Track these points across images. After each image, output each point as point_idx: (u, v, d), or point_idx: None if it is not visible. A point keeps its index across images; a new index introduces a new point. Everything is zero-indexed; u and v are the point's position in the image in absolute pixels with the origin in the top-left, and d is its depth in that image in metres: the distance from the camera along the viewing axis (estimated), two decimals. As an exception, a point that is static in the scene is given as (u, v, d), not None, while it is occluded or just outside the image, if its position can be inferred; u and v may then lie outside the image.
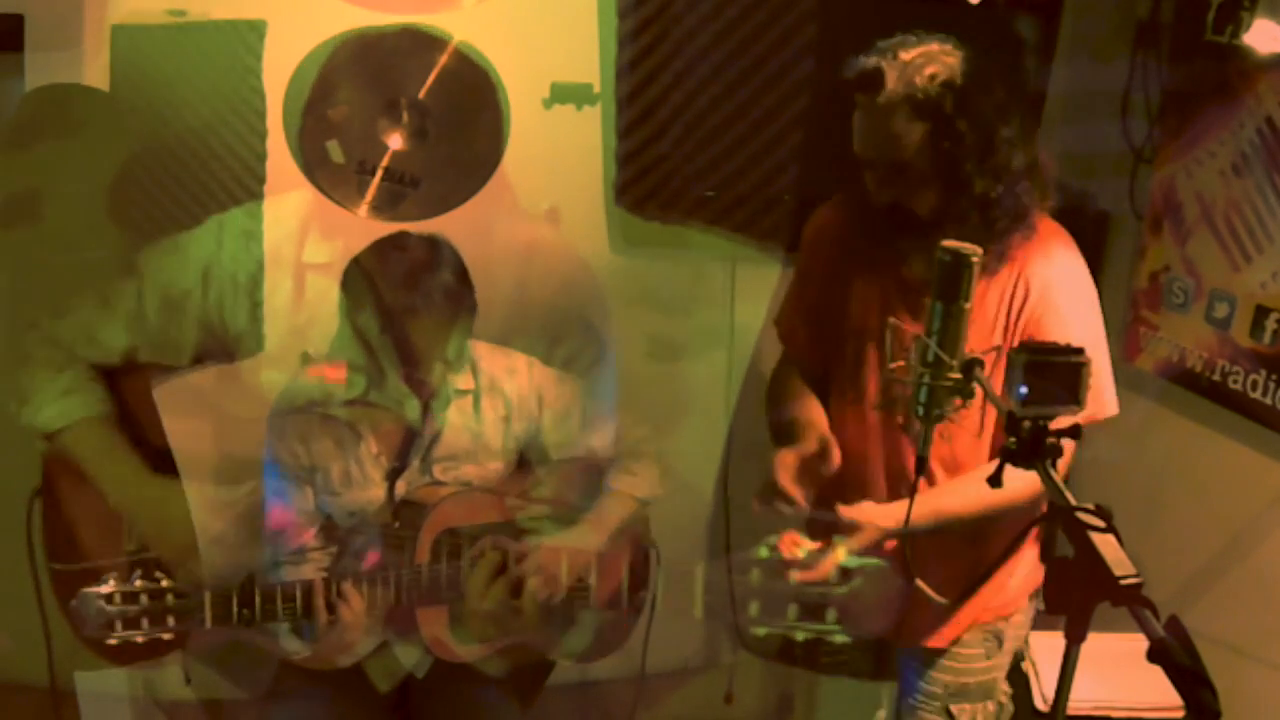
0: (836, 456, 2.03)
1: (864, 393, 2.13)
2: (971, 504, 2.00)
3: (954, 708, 2.24)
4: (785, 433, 2.15)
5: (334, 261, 2.11)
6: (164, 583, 1.88)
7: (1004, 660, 2.26)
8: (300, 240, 2.22)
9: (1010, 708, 2.37)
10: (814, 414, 2.16)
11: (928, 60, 1.87)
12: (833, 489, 2.11)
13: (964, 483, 2.05)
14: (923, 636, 2.21)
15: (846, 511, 1.98)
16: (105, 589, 1.84)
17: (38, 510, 2.21)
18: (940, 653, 2.22)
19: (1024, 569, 2.19)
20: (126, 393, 2.23)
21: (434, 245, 2.03)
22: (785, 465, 2.02)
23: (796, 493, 1.99)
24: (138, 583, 1.86)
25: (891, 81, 1.86)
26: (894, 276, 2.06)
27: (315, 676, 2.14)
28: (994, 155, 1.90)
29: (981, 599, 2.14)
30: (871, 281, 2.09)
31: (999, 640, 2.23)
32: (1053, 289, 1.98)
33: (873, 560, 1.96)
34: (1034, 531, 2.06)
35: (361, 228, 2.06)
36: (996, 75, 1.89)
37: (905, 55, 1.87)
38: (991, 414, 2.03)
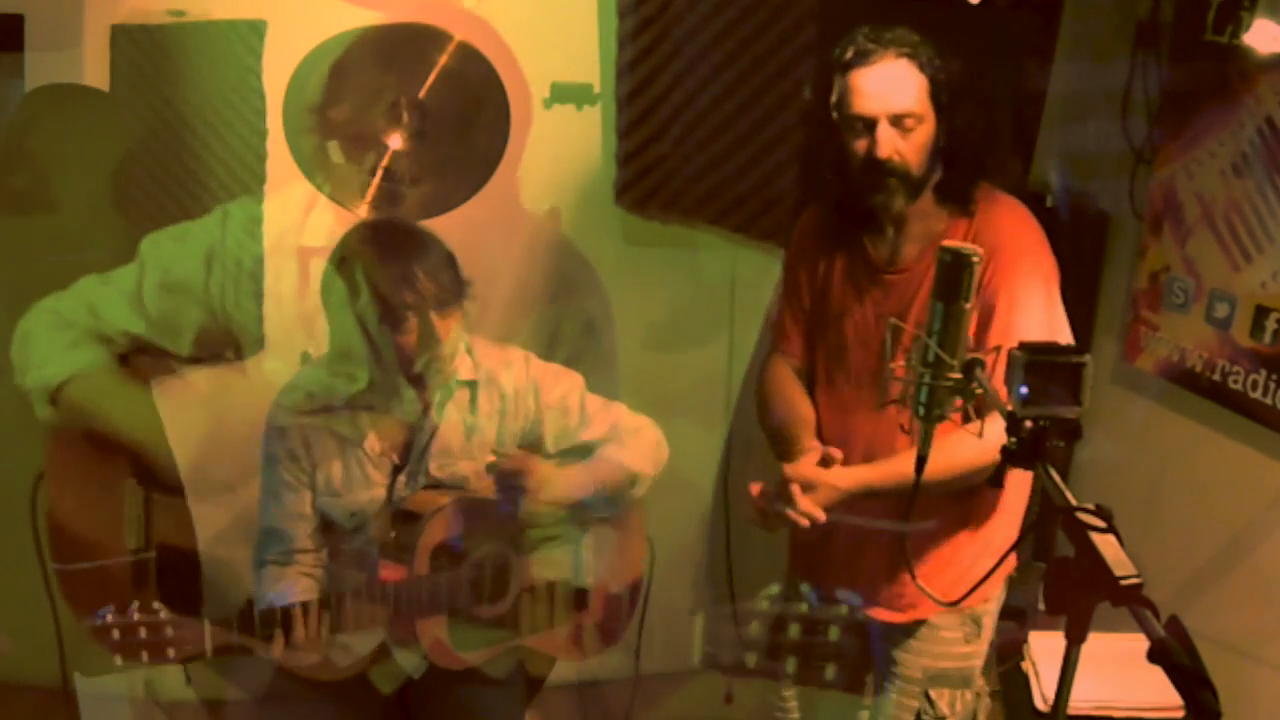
0: (838, 460, 2.11)
1: (847, 373, 2.23)
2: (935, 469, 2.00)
3: (932, 692, 2.27)
4: (780, 433, 2.24)
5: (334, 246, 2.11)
6: (163, 614, 1.87)
7: (982, 648, 2.29)
8: (303, 228, 2.23)
9: (988, 701, 2.40)
10: (807, 413, 2.26)
11: (907, 33, 2.08)
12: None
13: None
14: (900, 610, 2.24)
15: (800, 470, 2.06)
16: (104, 623, 1.84)
17: (42, 509, 2.21)
18: (918, 636, 2.26)
19: (999, 544, 2.24)
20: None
21: (411, 233, 2.02)
22: (799, 477, 2.06)
23: (817, 509, 2.04)
24: (136, 616, 1.86)
25: (887, 45, 2.05)
26: (862, 260, 2.20)
27: (315, 678, 2.14)
28: (968, 118, 2.09)
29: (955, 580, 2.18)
30: (843, 267, 2.23)
31: (978, 625, 2.27)
32: (1004, 254, 2.08)
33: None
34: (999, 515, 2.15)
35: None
36: (951, 53, 2.10)
37: (887, 34, 2.07)
38: None
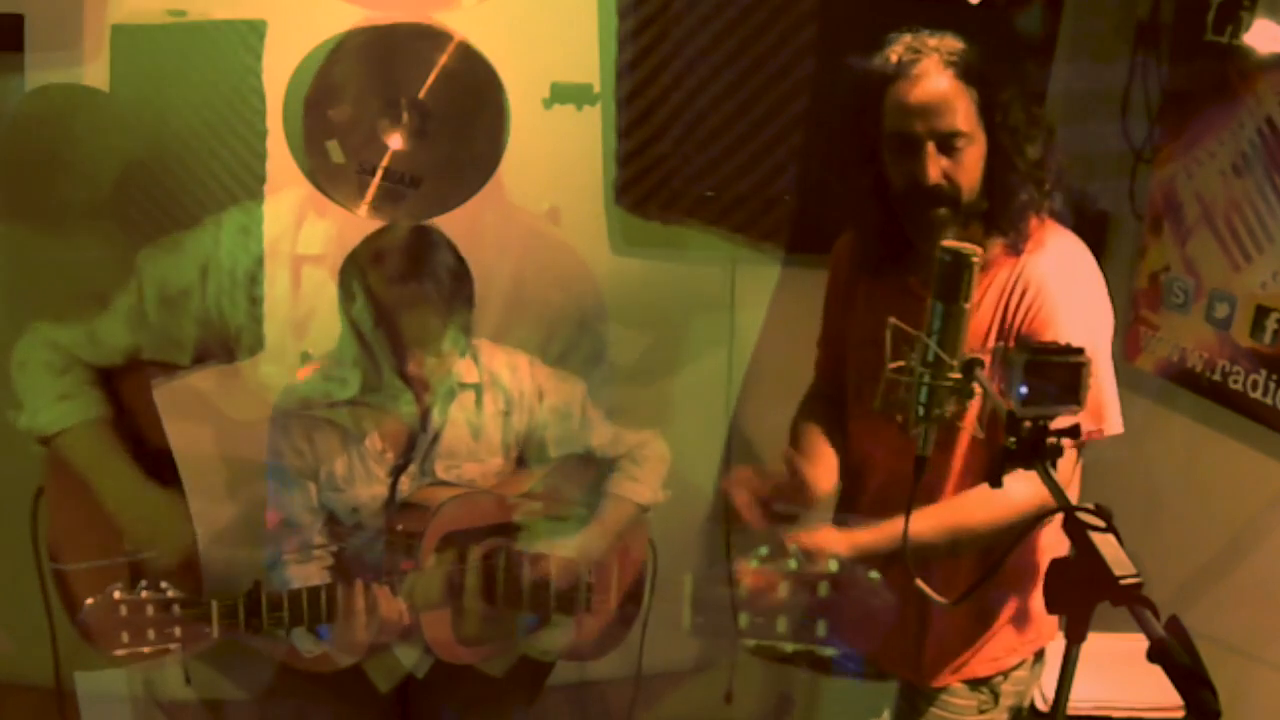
0: (815, 486, 1.98)
1: (870, 399, 2.03)
2: (941, 529, 1.90)
3: None
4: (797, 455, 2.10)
5: (329, 253, 2.12)
6: (170, 593, 1.87)
7: (1000, 718, 2.11)
8: (295, 234, 2.23)
9: None
10: (810, 445, 2.11)
11: (953, 40, 1.88)
12: (855, 503, 2.10)
13: (938, 510, 1.95)
14: (913, 669, 2.12)
15: (802, 539, 1.88)
16: (110, 599, 1.84)
17: (42, 520, 2.21)
18: (929, 700, 2.11)
19: (1030, 617, 2.08)
20: (126, 394, 2.23)
21: (424, 234, 2.03)
22: (740, 483, 1.99)
23: (750, 514, 1.97)
24: (143, 593, 1.85)
25: (931, 53, 1.86)
26: (902, 289, 2.00)
27: (315, 676, 2.14)
28: (1016, 138, 1.88)
29: (981, 649, 2.06)
30: (882, 296, 2.03)
31: (995, 696, 2.09)
32: (1051, 290, 1.91)
33: (872, 574, 1.93)
34: (1038, 584, 2.05)
35: (355, 219, 2.06)
36: (1004, 64, 1.91)
37: (931, 41, 1.87)
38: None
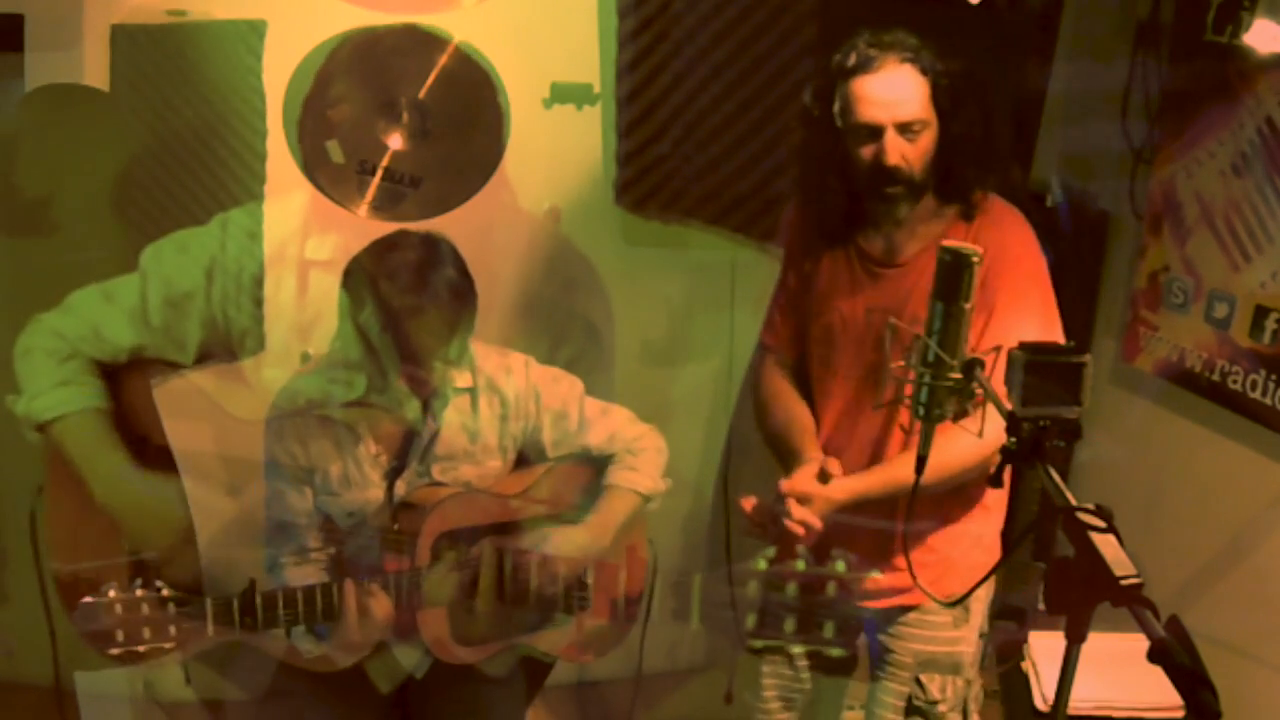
0: (836, 475, 2.13)
1: (835, 367, 2.24)
2: (933, 477, 2.00)
3: (923, 677, 2.29)
4: (781, 442, 2.26)
5: (336, 258, 2.11)
6: (165, 592, 1.86)
7: (971, 634, 2.31)
8: (303, 238, 2.23)
9: (979, 689, 2.41)
10: (806, 420, 2.26)
11: (906, 36, 2.08)
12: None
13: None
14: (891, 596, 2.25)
15: (796, 484, 2.07)
16: (106, 598, 1.83)
17: (41, 509, 2.21)
18: (908, 622, 2.28)
19: (989, 539, 2.28)
20: (128, 390, 2.23)
21: (432, 243, 2.03)
22: (795, 491, 2.08)
23: (814, 519, 2.05)
24: (138, 592, 1.85)
25: (889, 49, 2.05)
26: (856, 254, 2.20)
27: (315, 677, 2.14)
28: (964, 122, 2.09)
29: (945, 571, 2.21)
30: (835, 261, 2.24)
31: (966, 610, 2.29)
32: (1002, 259, 2.09)
33: (872, 572, 2.00)
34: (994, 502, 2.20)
35: (363, 224, 2.07)
36: (952, 57, 2.10)
37: (888, 38, 2.07)
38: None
